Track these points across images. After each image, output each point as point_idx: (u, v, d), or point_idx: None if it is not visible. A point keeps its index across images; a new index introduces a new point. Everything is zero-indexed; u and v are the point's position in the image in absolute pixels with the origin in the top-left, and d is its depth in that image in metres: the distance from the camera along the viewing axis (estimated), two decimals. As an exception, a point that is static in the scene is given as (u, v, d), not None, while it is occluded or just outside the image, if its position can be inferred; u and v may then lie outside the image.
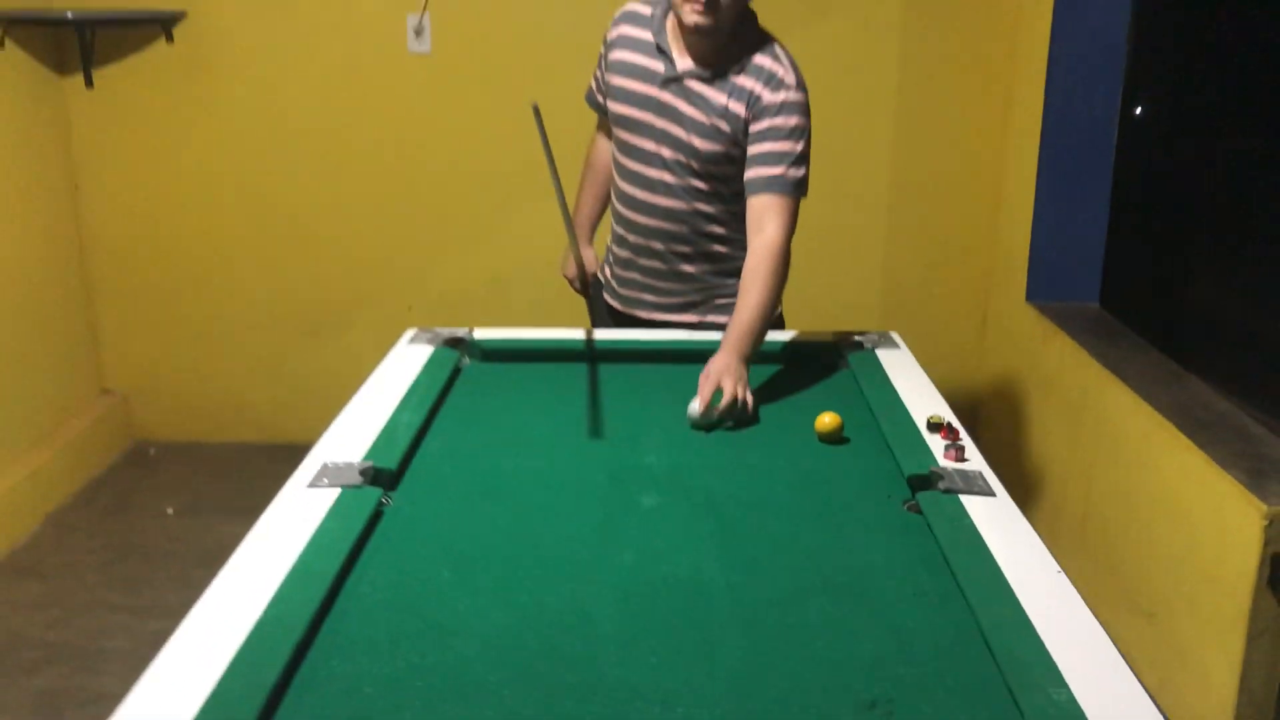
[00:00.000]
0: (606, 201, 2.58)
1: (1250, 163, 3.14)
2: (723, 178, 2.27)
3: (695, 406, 1.97)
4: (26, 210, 3.57)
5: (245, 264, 3.93)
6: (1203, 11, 3.07)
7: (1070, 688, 1.20)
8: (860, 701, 1.23)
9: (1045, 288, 3.46)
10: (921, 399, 2.05)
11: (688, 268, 2.38)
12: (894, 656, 1.32)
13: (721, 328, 2.30)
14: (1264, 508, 2.11)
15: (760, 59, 2.21)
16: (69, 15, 3.49)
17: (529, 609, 1.41)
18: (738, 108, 2.20)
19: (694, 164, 2.26)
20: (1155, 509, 2.55)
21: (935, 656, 1.32)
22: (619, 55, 2.35)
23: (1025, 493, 3.24)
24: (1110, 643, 1.29)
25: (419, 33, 3.66)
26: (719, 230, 2.34)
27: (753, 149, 2.21)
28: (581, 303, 2.72)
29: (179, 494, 3.68)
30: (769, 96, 2.19)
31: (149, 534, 3.41)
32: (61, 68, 3.72)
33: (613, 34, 2.39)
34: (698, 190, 2.29)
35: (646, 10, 2.34)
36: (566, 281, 2.70)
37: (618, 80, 2.34)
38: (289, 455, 4.00)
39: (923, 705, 1.23)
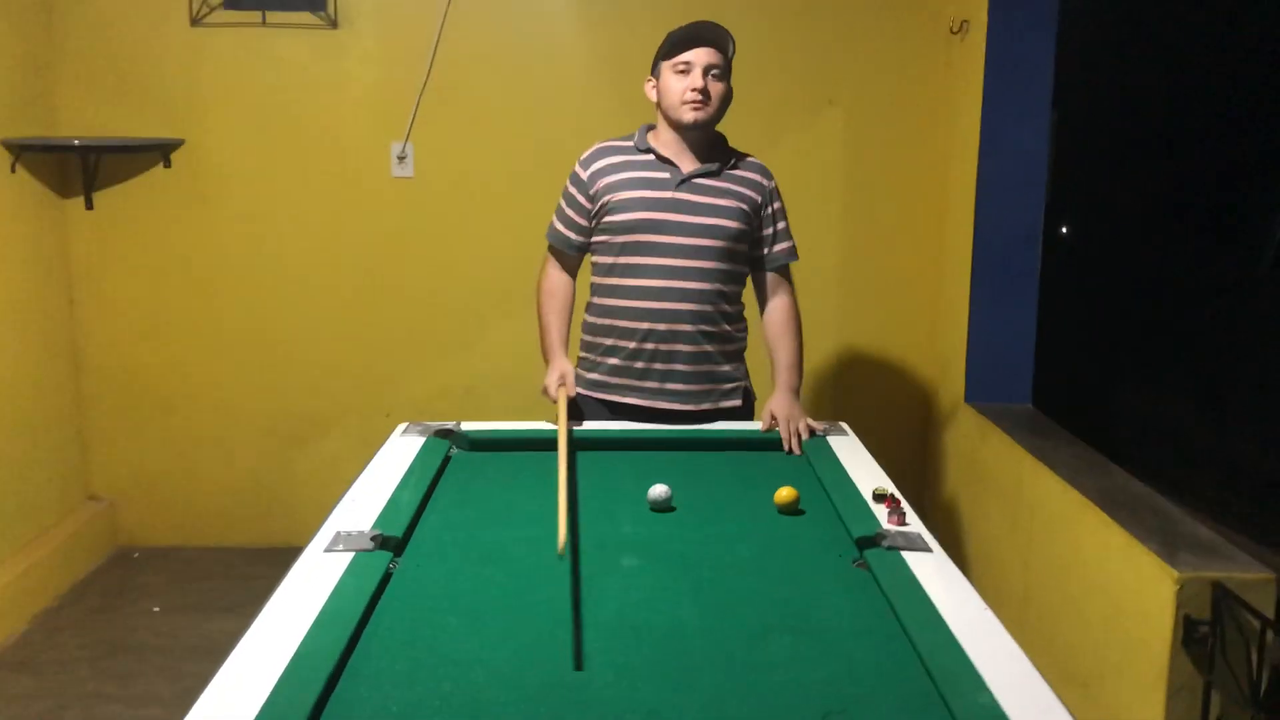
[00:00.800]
0: (570, 322, 2.86)
1: (1160, 275, 3.47)
2: (739, 255, 2.69)
3: (655, 491, 2.19)
4: (24, 323, 3.78)
5: (231, 376, 4.14)
6: (1117, 131, 3.42)
7: (993, 694, 1.42)
8: (816, 712, 1.44)
9: (982, 390, 3.75)
10: (868, 476, 2.30)
11: (709, 347, 2.70)
12: (845, 678, 1.54)
13: (726, 413, 2.74)
14: (1175, 574, 2.35)
15: (746, 158, 2.74)
16: (75, 142, 3.76)
17: (530, 647, 1.61)
18: (752, 194, 2.70)
19: (723, 244, 2.65)
20: (1084, 584, 2.79)
21: (880, 677, 1.54)
22: (610, 179, 2.69)
23: (969, 576, 3.46)
24: (1027, 660, 1.52)
25: (402, 159, 3.96)
26: (729, 309, 2.73)
27: (767, 230, 2.74)
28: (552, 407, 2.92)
29: (164, 595, 3.81)
30: (768, 183, 2.74)
31: (137, 631, 3.54)
32: (64, 190, 3.97)
33: (589, 170, 2.72)
34: (720, 271, 2.67)
35: (624, 142, 2.72)
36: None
37: (621, 195, 2.67)
38: (270, 558, 4.17)
39: (870, 714, 1.44)
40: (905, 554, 1.89)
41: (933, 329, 4.12)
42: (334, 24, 3.89)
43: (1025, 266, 3.65)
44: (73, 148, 3.79)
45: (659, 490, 2.18)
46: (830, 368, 4.18)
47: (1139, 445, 3.16)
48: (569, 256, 2.83)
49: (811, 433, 2.61)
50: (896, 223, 4.09)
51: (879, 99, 4.00)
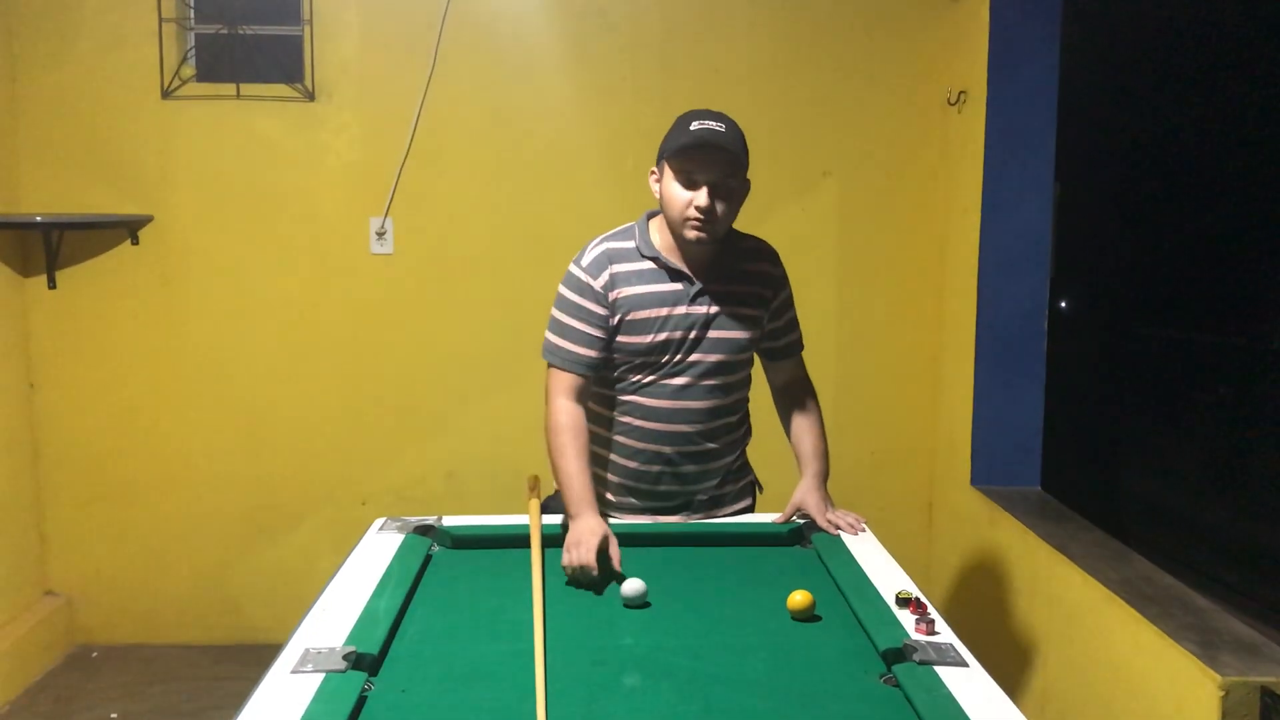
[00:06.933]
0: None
1: (1171, 349, 3.33)
2: (748, 362, 2.48)
3: (629, 587, 2.02)
4: (-19, 409, 3.57)
5: (199, 464, 3.94)
6: (1121, 207, 3.31)
7: None
8: None
9: (988, 473, 3.58)
10: (886, 575, 2.12)
11: (713, 464, 2.48)
12: (887, 824, 1.34)
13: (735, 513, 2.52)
14: (1219, 679, 2.17)
15: (747, 242, 2.46)
16: (38, 219, 3.59)
17: (523, 788, 1.41)
18: (764, 292, 2.45)
19: (738, 358, 2.42)
20: (1112, 684, 2.60)
21: (927, 823, 1.34)
22: (625, 293, 2.35)
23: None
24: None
25: (381, 235, 3.81)
26: (733, 419, 2.50)
27: (777, 321, 2.49)
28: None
29: (122, 699, 3.56)
30: (775, 271, 2.47)
31: (91, 741, 3.30)
32: (25, 269, 3.79)
33: (600, 278, 2.35)
34: (731, 384, 2.44)
35: (625, 243, 2.39)
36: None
37: (640, 315, 2.35)
38: (235, 656, 3.91)
39: None
40: (939, 669, 1.70)
41: (934, 408, 3.97)
42: (311, 96, 3.76)
43: (1031, 343, 3.52)
44: (35, 224, 3.63)
45: (633, 586, 2.02)
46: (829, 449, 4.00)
47: (1156, 530, 2.99)
48: (582, 381, 2.37)
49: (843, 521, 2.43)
50: (894, 298, 3.96)
51: (875, 171, 3.88)
